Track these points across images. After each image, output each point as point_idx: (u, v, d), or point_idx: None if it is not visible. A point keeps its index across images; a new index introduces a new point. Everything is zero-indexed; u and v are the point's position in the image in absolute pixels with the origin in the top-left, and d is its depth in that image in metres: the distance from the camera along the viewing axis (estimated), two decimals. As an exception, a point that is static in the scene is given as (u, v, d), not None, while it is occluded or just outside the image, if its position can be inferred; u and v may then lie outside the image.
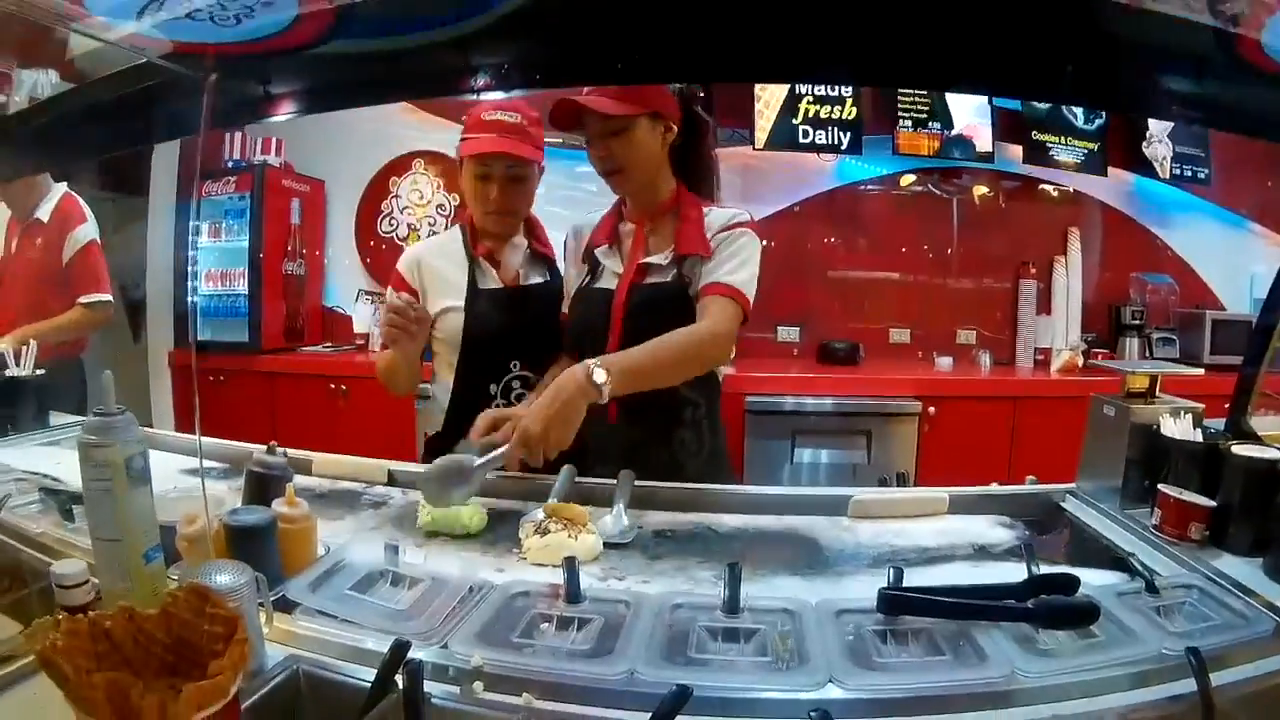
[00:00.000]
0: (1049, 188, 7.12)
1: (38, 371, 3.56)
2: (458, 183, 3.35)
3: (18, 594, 2.03)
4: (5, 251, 5.11)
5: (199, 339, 6.93)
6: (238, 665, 1.21)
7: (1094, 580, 1.87)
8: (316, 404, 6.42)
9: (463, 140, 3.19)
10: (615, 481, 2.58)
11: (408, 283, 3.26)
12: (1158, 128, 6.94)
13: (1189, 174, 7.03)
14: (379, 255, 7.41)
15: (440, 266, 3.28)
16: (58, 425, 3.53)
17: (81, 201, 5.13)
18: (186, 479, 2.72)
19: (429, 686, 1.38)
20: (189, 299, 6.92)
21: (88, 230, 5.07)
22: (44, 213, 4.98)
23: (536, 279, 3.35)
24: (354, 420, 6.31)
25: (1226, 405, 2.53)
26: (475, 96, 2.88)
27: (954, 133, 6.75)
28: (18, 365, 3.53)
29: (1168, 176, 6.99)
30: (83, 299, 4.99)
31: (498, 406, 3.09)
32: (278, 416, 6.59)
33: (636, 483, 2.61)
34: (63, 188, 5.08)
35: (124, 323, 6.92)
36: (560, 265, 3.39)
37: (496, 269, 3.26)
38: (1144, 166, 6.98)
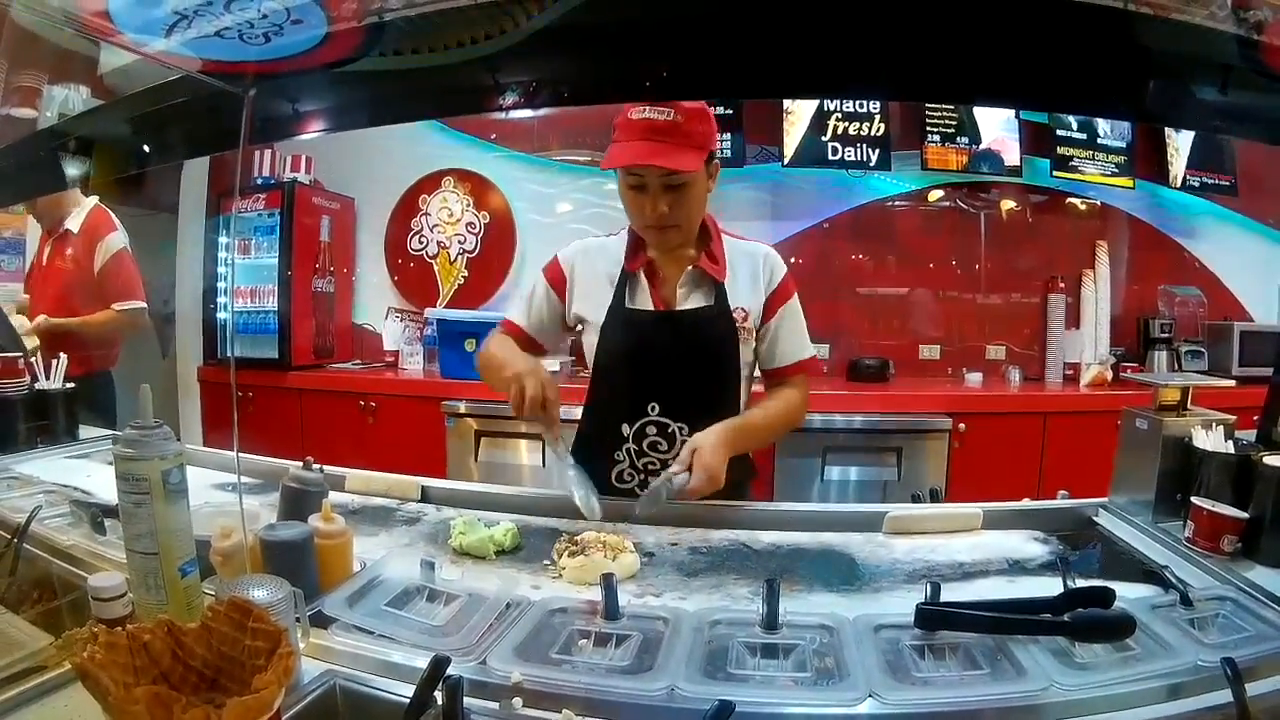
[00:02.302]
0: (1076, 201, 7.07)
1: (68, 385, 3.58)
2: (619, 193, 2.86)
3: (48, 605, 2.04)
4: (36, 261, 5.25)
5: (229, 355, 6.98)
6: (282, 680, 1.20)
7: (1128, 593, 1.84)
8: (345, 421, 6.43)
9: (612, 144, 2.76)
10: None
11: (563, 272, 2.96)
12: (1184, 139, 6.90)
13: (1215, 185, 6.98)
14: (408, 273, 7.43)
15: (595, 269, 2.94)
16: (88, 438, 3.55)
17: (110, 212, 5.24)
18: (217, 494, 2.74)
19: (468, 703, 1.37)
20: (219, 315, 6.95)
21: (118, 239, 5.18)
22: (74, 224, 5.09)
23: (696, 303, 2.86)
24: (383, 437, 6.32)
25: (1256, 417, 2.51)
26: (504, 114, 2.87)
27: (982, 147, 6.72)
28: (48, 378, 3.55)
29: (1195, 187, 6.94)
30: (118, 305, 5.12)
31: (629, 453, 2.87)
32: (307, 433, 6.62)
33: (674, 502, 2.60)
34: (94, 200, 5.19)
35: (153, 338, 6.98)
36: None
37: (653, 285, 2.87)
38: (1170, 178, 6.94)
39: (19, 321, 4.77)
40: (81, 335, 4.98)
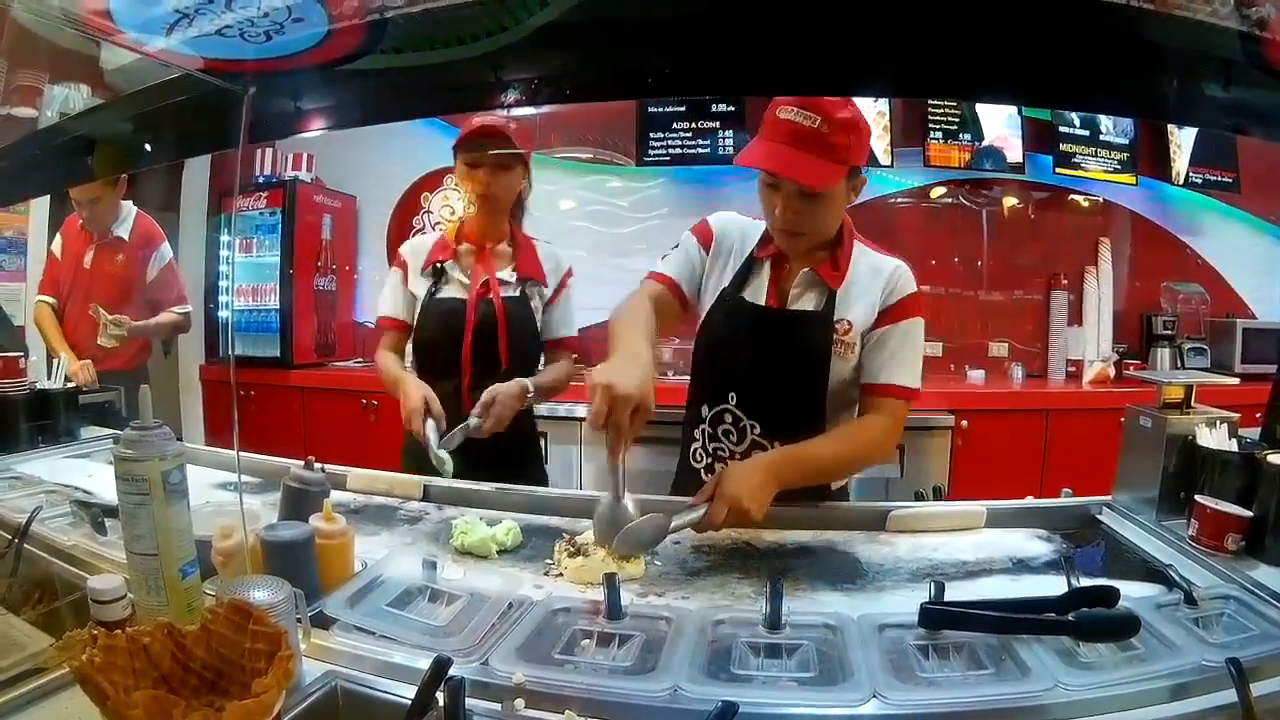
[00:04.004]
0: (1079, 198, 7.09)
1: (67, 384, 3.60)
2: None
3: (49, 606, 2.03)
4: (73, 264, 5.31)
5: (229, 354, 6.99)
6: (282, 683, 1.20)
7: (1132, 592, 1.84)
8: (347, 419, 6.43)
9: (756, 138, 2.64)
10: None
11: (712, 233, 2.91)
12: (1186, 135, 6.90)
13: (1218, 181, 6.99)
14: None
15: (735, 247, 2.87)
16: (89, 438, 3.56)
17: (154, 221, 5.51)
18: (219, 493, 2.73)
19: (469, 704, 1.36)
20: (220, 314, 6.97)
21: (169, 249, 5.48)
22: (124, 230, 5.30)
23: (804, 306, 2.75)
24: (384, 435, 6.29)
25: (1259, 415, 2.50)
26: (506, 112, 2.84)
27: (984, 144, 6.73)
28: (49, 378, 3.57)
29: (1198, 184, 6.96)
30: (176, 309, 5.43)
31: (704, 434, 2.87)
32: (309, 431, 6.63)
33: (676, 497, 2.63)
34: (135, 207, 5.41)
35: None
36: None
37: (774, 278, 2.79)
38: (1173, 174, 6.95)
39: (104, 317, 4.97)
40: (148, 335, 5.44)
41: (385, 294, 3.54)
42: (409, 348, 3.51)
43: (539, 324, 3.55)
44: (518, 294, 3.46)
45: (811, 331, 2.70)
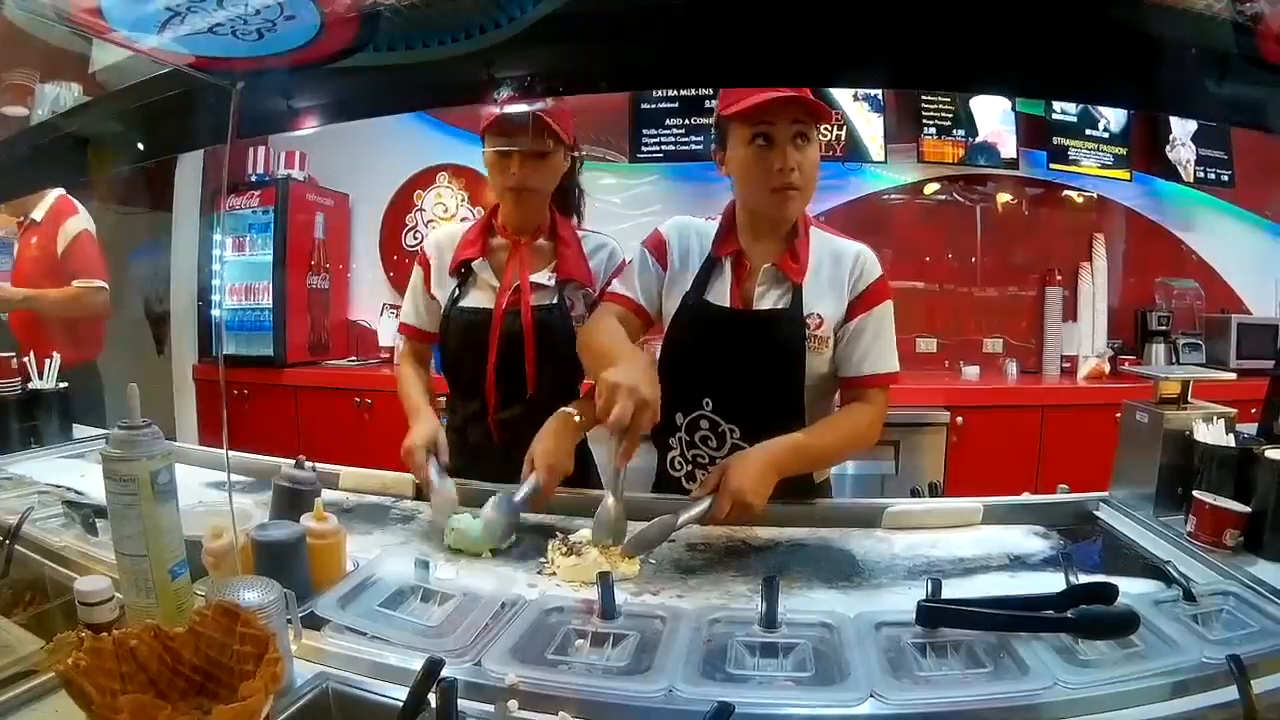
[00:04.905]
0: (1073, 193, 7.09)
1: (61, 385, 3.57)
2: (724, 159, 2.74)
3: (40, 608, 2.02)
4: (16, 256, 5.32)
5: (220, 353, 6.96)
6: (269, 686, 1.19)
7: (1130, 589, 1.84)
8: (340, 418, 6.41)
9: (729, 108, 2.60)
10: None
11: (665, 241, 2.85)
12: (1181, 131, 6.90)
13: (1213, 177, 6.99)
14: (403, 269, 7.31)
15: (692, 249, 2.83)
16: (82, 438, 3.54)
17: (74, 200, 5.33)
18: (211, 493, 2.71)
19: (462, 705, 1.35)
20: (213, 312, 6.93)
21: (78, 221, 5.26)
22: (39, 213, 5.19)
23: (770, 303, 2.69)
24: (378, 434, 6.27)
25: (1254, 410, 2.49)
26: (498, 108, 2.82)
27: (978, 139, 6.73)
28: (41, 378, 3.54)
29: (1191, 180, 6.96)
30: (77, 282, 5.18)
31: (681, 443, 2.82)
32: (302, 430, 6.60)
33: (672, 495, 2.64)
34: (58, 190, 5.27)
35: (148, 336, 6.97)
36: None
37: (736, 277, 2.73)
38: (1168, 170, 6.95)
39: None
40: (40, 310, 5.15)
41: (406, 297, 3.34)
42: (438, 360, 3.25)
43: None
44: (554, 301, 3.03)
45: (783, 331, 2.67)
